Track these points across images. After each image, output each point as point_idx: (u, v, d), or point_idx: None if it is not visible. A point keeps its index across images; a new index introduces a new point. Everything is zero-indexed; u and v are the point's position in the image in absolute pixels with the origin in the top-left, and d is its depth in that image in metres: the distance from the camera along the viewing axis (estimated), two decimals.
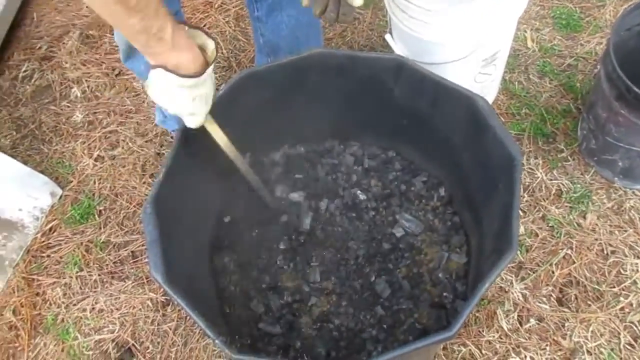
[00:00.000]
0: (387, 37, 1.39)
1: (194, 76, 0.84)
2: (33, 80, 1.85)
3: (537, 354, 1.19)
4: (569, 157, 1.47)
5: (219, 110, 1.09)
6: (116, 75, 1.83)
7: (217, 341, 0.80)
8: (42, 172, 1.58)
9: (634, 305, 1.23)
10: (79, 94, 1.80)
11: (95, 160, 1.64)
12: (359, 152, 1.32)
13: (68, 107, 1.77)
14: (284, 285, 1.19)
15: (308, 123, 1.30)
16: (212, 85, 0.92)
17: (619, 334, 1.20)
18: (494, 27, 1.23)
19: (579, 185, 1.42)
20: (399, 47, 1.36)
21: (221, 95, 1.08)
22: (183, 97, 0.86)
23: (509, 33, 1.34)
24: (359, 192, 1.26)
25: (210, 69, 0.88)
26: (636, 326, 1.20)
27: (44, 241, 1.50)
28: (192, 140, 1.04)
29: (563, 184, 1.43)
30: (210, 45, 0.88)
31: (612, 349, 1.18)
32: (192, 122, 0.92)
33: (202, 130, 0.97)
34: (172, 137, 1.63)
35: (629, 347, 1.18)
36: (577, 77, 1.61)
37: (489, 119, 0.98)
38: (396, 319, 1.13)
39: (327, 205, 1.24)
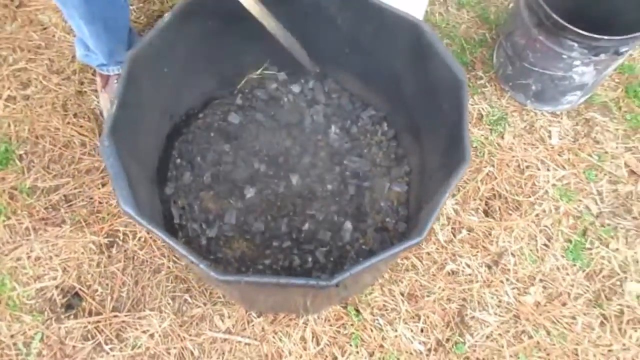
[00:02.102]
0: None
1: None
2: None
3: (470, 259, 1.33)
4: (486, 84, 1.60)
5: (160, 42, 1.04)
6: (17, 7, 1.65)
7: (201, 265, 0.81)
8: None
9: (546, 212, 1.40)
10: None
11: (7, 101, 1.50)
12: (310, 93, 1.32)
13: None
14: (205, 206, 1.20)
15: (251, 57, 1.28)
16: None
17: (536, 236, 1.37)
18: None
19: (496, 109, 1.55)
20: None
21: (162, 27, 1.03)
22: None
23: None
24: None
25: None
26: (549, 229, 1.38)
27: None
28: (140, 68, 1.00)
29: (483, 109, 1.55)
30: None
31: (531, 250, 1.35)
32: None
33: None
34: (93, 74, 1.53)
35: (544, 247, 1.36)
36: (491, 10, 1.72)
37: (436, 44, 1.03)
38: (342, 251, 1.18)
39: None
